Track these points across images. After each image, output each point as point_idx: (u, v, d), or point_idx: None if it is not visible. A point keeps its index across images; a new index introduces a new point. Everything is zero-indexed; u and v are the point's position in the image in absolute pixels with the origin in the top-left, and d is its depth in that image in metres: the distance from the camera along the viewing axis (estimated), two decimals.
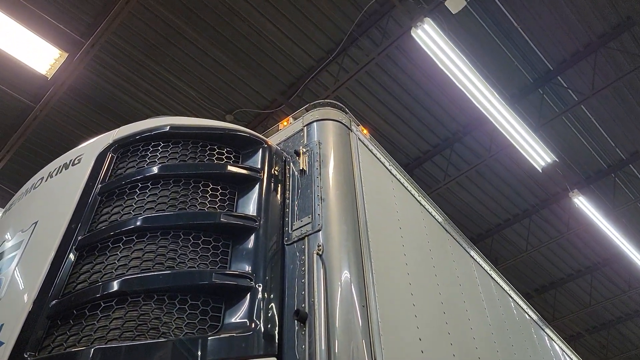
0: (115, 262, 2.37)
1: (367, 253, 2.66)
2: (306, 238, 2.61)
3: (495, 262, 12.78)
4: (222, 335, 2.17)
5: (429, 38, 7.47)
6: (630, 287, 13.85)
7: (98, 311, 2.18)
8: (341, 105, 3.38)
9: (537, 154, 8.97)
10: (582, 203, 10.17)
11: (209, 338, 2.15)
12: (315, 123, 3.22)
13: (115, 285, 2.24)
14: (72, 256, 2.44)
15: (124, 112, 9.60)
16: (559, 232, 12.40)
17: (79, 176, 2.88)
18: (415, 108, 10.06)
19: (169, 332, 2.15)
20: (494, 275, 4.85)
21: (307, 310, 2.32)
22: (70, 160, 3.08)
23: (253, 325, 2.24)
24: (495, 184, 11.57)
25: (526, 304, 5.44)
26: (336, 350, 2.16)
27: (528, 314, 5.32)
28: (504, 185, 11.62)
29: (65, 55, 7.90)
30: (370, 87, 9.72)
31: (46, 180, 3.10)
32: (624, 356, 16.31)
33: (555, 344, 5.70)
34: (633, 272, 13.26)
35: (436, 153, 10.85)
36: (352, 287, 2.42)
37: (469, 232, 12.56)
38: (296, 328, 2.29)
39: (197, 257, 2.44)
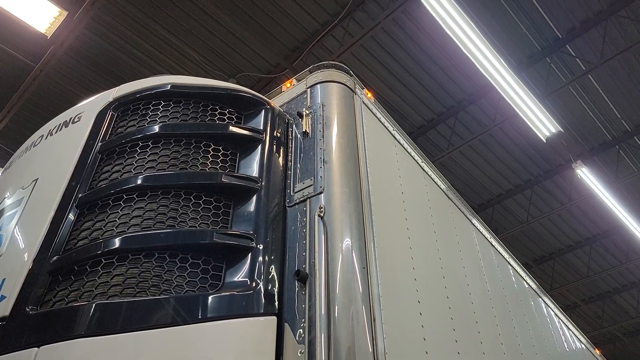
0: (116, 220, 2.36)
1: (369, 216, 2.65)
2: (308, 200, 2.60)
3: (495, 231, 12.82)
4: (223, 294, 2.18)
5: (437, 2, 7.29)
6: (628, 259, 13.95)
7: (99, 268, 2.18)
8: (346, 67, 3.31)
9: (542, 124, 8.88)
10: (585, 174, 10.13)
11: (210, 296, 2.16)
12: (318, 85, 3.16)
13: (116, 243, 2.24)
14: (72, 213, 2.44)
15: (125, 73, 9.48)
16: (560, 204, 12.41)
17: (79, 134, 2.85)
18: (421, 75, 9.92)
19: (170, 290, 2.16)
20: (494, 242, 4.86)
21: (307, 271, 2.33)
22: (71, 118, 3.05)
23: (254, 285, 2.25)
24: (498, 154, 11.52)
25: (525, 272, 5.48)
26: (336, 310, 2.18)
27: (526, 282, 5.36)
28: (507, 155, 11.56)
29: (65, 13, 7.75)
30: (376, 53, 9.56)
31: (46, 138, 3.07)
32: (618, 326, 16.58)
33: (552, 311, 5.76)
34: (632, 244, 13.33)
35: (440, 122, 10.75)
36: (353, 248, 2.42)
37: (470, 202, 12.57)
38: (297, 288, 2.30)
39: (198, 217, 2.43)
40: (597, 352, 7.35)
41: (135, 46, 9.16)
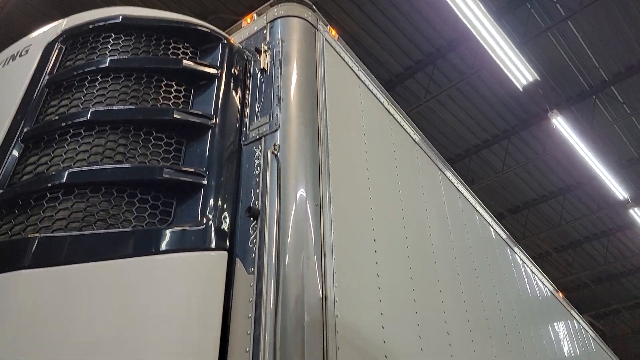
0: (62, 155, 2.31)
1: (325, 155, 2.63)
2: (263, 138, 2.58)
3: (471, 182, 13.00)
4: (173, 229, 2.17)
5: None
6: (599, 208, 14.30)
7: (44, 202, 2.14)
8: (308, 2, 3.20)
9: (520, 73, 8.84)
10: (560, 124, 10.19)
11: (159, 230, 2.15)
12: (279, 20, 3.06)
13: (61, 177, 2.19)
14: (17, 148, 2.38)
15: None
16: (535, 154, 12.54)
17: (25, 68, 2.74)
18: (399, 20, 9.69)
19: (117, 224, 2.14)
20: (460, 188, 4.90)
21: (259, 208, 2.32)
22: (18, 52, 2.93)
23: (205, 221, 2.24)
24: (476, 103, 11.49)
25: (493, 218, 5.55)
26: (287, 246, 2.19)
27: (493, 228, 5.44)
28: (485, 105, 11.55)
29: None
30: None
31: None
32: (587, 273, 17.18)
33: (517, 257, 5.88)
34: (603, 194, 13.60)
35: (419, 70, 10.62)
36: (306, 186, 2.41)
37: (447, 152, 12.64)
38: (248, 225, 2.31)
39: (148, 153, 2.38)
40: (561, 295, 7.62)
41: None
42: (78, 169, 2.22)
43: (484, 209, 5.36)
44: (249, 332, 2.00)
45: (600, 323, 18.83)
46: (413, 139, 4.18)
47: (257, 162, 2.53)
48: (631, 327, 19.52)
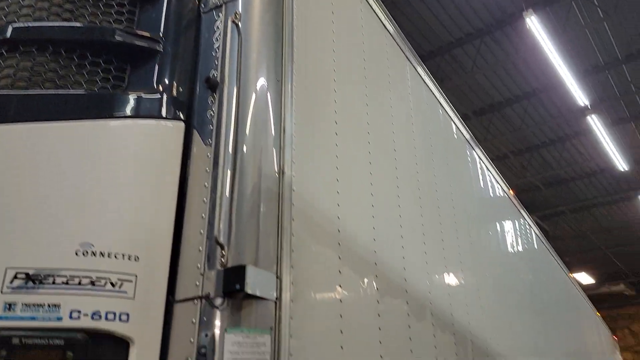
0: (4, 9, 2.13)
1: (289, 28, 2.52)
2: (224, 5, 2.44)
3: (441, 82, 12.94)
4: (127, 94, 2.10)
5: None
6: (561, 114, 14.63)
7: None
8: None
9: None
10: (534, 24, 10.03)
11: (112, 94, 2.08)
12: None
13: (4, 32, 2.05)
14: None
15: None
16: (506, 55, 12.46)
17: None
18: None
19: (67, 86, 2.05)
20: (427, 81, 4.87)
21: (219, 79, 2.26)
22: None
23: (160, 89, 2.17)
24: None
25: (456, 114, 5.60)
26: (246, 118, 2.17)
27: (455, 125, 5.50)
28: (462, 0, 11.19)
29: None
30: None
31: None
32: (540, 176, 17.98)
33: (476, 155, 6.05)
34: (566, 100, 13.84)
35: None
36: (268, 59, 2.34)
37: (420, 49, 12.39)
38: (207, 96, 2.25)
39: (99, 13, 2.23)
40: (512, 193, 8.01)
41: None
42: (22, 25, 2.07)
43: (449, 104, 5.39)
44: (205, 199, 2.03)
45: (546, 223, 20.12)
46: (384, 25, 4.05)
47: (217, 31, 2.41)
48: (573, 229, 20.98)
